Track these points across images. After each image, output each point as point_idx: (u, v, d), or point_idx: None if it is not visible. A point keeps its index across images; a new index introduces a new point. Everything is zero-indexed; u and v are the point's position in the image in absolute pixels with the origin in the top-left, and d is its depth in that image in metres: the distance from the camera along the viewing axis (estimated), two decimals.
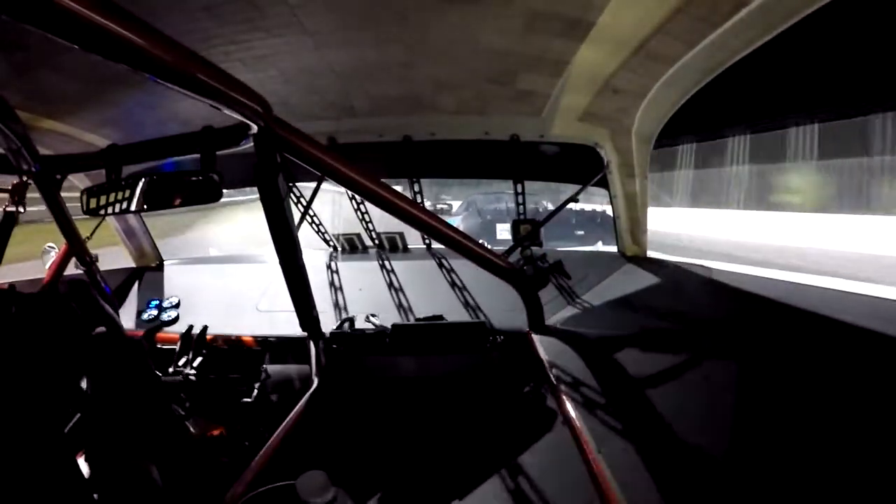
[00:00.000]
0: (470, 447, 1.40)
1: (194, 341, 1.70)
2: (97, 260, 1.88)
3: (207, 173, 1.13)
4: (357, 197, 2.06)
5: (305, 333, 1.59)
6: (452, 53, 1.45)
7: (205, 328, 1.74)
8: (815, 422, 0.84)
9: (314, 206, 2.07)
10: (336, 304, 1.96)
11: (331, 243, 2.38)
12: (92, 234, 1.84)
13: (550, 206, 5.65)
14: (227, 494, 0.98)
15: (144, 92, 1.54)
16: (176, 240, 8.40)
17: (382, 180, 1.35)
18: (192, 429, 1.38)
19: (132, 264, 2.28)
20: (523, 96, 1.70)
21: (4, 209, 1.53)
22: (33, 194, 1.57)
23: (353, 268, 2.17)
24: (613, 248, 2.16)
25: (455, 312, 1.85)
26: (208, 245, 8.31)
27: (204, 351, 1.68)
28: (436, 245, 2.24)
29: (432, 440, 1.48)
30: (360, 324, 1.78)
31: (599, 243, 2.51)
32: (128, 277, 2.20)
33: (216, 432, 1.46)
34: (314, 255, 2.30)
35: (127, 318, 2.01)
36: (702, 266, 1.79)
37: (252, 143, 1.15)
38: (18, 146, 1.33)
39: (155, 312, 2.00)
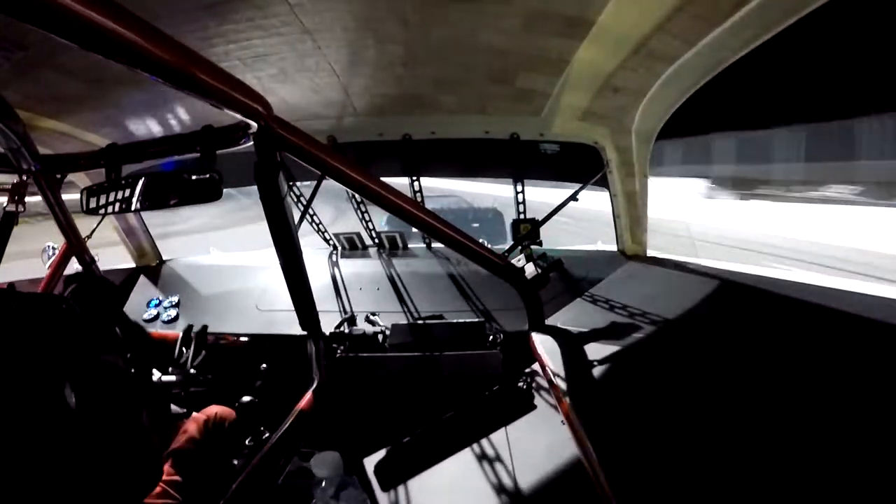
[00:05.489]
0: (469, 445, 1.40)
1: (194, 340, 1.70)
2: (97, 259, 1.88)
3: (207, 172, 1.13)
4: (357, 196, 2.06)
5: (305, 333, 1.59)
6: (452, 53, 1.45)
7: (205, 327, 1.74)
8: (816, 420, 0.84)
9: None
10: (336, 304, 1.96)
11: (331, 242, 2.38)
12: (91, 233, 1.84)
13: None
14: (227, 493, 0.99)
15: (144, 91, 1.54)
16: None
17: (382, 179, 1.35)
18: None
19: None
20: (523, 95, 1.70)
21: (4, 208, 1.52)
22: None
23: (353, 267, 2.17)
24: (613, 248, 2.16)
25: (455, 312, 1.85)
26: None
27: (204, 350, 1.68)
28: (436, 244, 2.24)
29: (432, 439, 1.48)
30: (360, 323, 1.78)
31: (599, 242, 2.50)
32: (128, 277, 2.20)
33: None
34: (314, 254, 2.30)
35: (127, 317, 2.01)
36: (702, 265, 1.79)
37: (252, 143, 1.15)
38: (18, 145, 1.33)
39: (155, 312, 2.00)
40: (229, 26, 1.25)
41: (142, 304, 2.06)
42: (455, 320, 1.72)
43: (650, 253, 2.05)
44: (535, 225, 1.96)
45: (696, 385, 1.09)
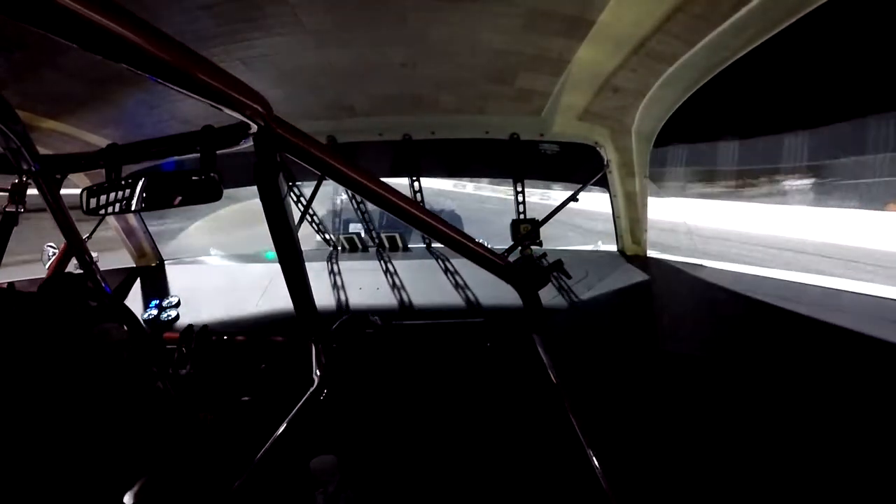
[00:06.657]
0: (469, 446, 1.40)
1: (194, 341, 1.70)
2: (97, 260, 1.88)
3: (207, 173, 1.13)
4: (357, 196, 2.07)
5: (305, 333, 1.59)
6: (452, 52, 1.45)
7: (205, 327, 1.74)
8: (814, 420, 0.84)
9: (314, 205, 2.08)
10: (336, 304, 1.96)
11: (331, 242, 2.38)
12: (91, 233, 1.84)
13: None
14: (226, 493, 0.99)
15: (144, 92, 1.54)
16: None
17: (382, 179, 1.35)
18: (190, 428, 1.38)
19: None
20: (523, 95, 1.70)
21: (4, 209, 1.52)
22: None
23: (353, 267, 2.17)
24: (613, 248, 2.16)
25: (455, 312, 1.85)
26: None
27: (204, 350, 1.68)
28: (436, 244, 2.24)
29: (432, 439, 1.48)
30: (359, 323, 1.78)
31: (599, 242, 2.52)
32: (128, 277, 2.20)
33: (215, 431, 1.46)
34: (314, 254, 2.30)
35: (126, 317, 2.01)
36: (702, 266, 1.80)
37: (252, 143, 1.15)
38: (18, 146, 1.33)
39: (155, 312, 2.00)
40: (229, 26, 1.25)
41: (142, 304, 2.06)
42: (455, 320, 1.72)
43: (650, 253, 2.05)
44: (535, 225, 1.97)
45: (695, 385, 1.09)
